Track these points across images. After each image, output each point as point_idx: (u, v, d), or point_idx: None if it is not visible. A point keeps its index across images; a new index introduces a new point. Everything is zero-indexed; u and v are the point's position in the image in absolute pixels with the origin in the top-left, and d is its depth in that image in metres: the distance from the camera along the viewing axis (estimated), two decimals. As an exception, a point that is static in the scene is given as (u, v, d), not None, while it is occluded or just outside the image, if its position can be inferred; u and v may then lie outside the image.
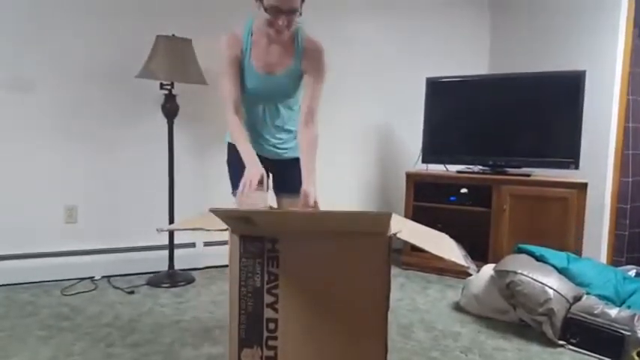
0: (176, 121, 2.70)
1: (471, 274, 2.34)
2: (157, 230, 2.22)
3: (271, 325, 1.19)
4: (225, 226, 1.19)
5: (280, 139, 1.84)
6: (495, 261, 2.41)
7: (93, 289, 2.56)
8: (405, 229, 1.24)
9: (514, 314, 2.19)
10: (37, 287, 2.56)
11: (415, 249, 1.28)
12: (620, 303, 2.07)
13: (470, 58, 3.74)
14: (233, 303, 1.20)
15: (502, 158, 3.03)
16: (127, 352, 1.84)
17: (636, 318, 1.84)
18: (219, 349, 1.87)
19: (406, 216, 3.11)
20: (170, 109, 2.66)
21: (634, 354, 1.78)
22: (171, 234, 2.76)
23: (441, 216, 2.95)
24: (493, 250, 2.86)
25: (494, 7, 3.78)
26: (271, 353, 1.19)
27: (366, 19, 3.42)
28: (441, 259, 1.14)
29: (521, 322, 2.18)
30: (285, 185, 1.86)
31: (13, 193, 2.59)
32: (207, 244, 3.01)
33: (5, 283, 2.57)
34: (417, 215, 3.06)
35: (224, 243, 1.55)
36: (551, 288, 2.03)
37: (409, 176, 3.17)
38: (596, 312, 1.93)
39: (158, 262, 2.82)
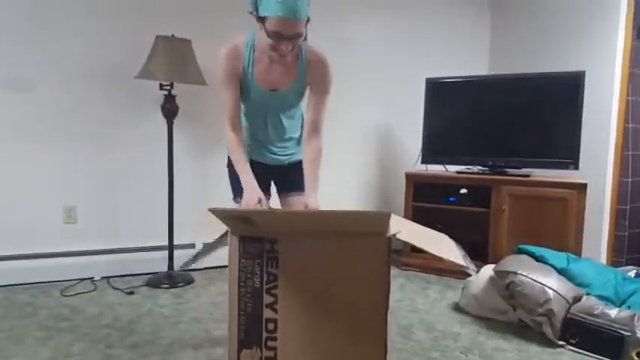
0: (175, 121, 2.70)
1: (470, 275, 2.33)
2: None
3: (270, 326, 1.18)
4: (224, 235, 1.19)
5: (282, 147, 1.82)
6: (495, 261, 2.40)
7: (92, 290, 2.56)
8: (405, 229, 1.24)
9: (514, 315, 2.19)
10: (35, 288, 2.56)
11: (415, 249, 1.28)
12: (619, 303, 2.06)
13: (470, 59, 3.74)
14: (232, 304, 1.20)
15: (502, 158, 3.03)
16: (126, 352, 1.83)
17: (636, 318, 1.84)
18: (219, 350, 1.87)
19: (406, 216, 3.11)
20: (169, 109, 2.65)
21: (634, 354, 1.77)
22: (171, 234, 2.75)
23: (441, 216, 2.95)
24: (493, 251, 2.86)
25: (494, 7, 3.78)
26: (271, 354, 1.19)
27: (366, 19, 3.42)
28: (440, 259, 1.14)
29: (520, 323, 2.18)
30: (290, 186, 1.85)
31: (11, 194, 2.58)
32: (206, 244, 3.00)
33: (4, 283, 2.57)
34: (417, 215, 3.06)
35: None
36: (550, 288, 2.02)
37: (409, 176, 3.17)
38: (595, 312, 1.92)
39: (157, 262, 2.82)
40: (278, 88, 1.63)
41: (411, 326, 2.18)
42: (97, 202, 2.77)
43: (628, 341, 1.80)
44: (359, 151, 3.51)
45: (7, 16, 2.51)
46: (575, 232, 2.65)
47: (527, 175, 2.88)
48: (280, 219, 1.21)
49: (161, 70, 2.51)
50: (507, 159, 3.01)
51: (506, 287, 2.12)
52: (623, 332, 1.82)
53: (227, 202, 1.76)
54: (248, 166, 1.63)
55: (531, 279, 2.06)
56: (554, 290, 2.02)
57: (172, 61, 2.53)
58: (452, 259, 1.16)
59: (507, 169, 3.01)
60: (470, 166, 3.18)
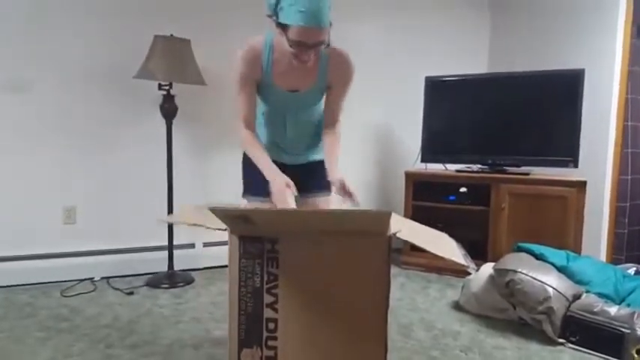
0: (175, 121, 2.70)
1: (470, 273, 2.34)
2: (158, 221, 2.17)
3: (271, 325, 1.18)
4: (225, 226, 1.19)
5: (300, 146, 1.79)
6: (495, 260, 2.40)
7: (92, 290, 2.55)
8: (405, 228, 1.23)
9: (514, 313, 2.19)
10: (35, 288, 2.56)
11: (415, 248, 1.28)
12: (619, 301, 2.07)
13: (470, 58, 3.74)
14: (232, 303, 1.20)
15: (501, 157, 3.03)
16: (126, 353, 1.83)
17: (636, 316, 1.84)
18: (219, 350, 1.87)
19: (405, 215, 3.11)
20: (168, 109, 2.65)
21: (634, 352, 1.78)
22: (170, 234, 2.76)
23: (441, 215, 2.95)
24: (492, 249, 2.86)
25: (494, 7, 3.78)
26: (271, 353, 1.19)
27: (366, 19, 3.41)
28: (440, 258, 1.14)
29: (520, 321, 2.18)
30: (309, 186, 1.78)
31: (11, 194, 2.58)
32: (206, 244, 3.00)
33: (4, 284, 2.56)
34: (417, 214, 3.06)
35: (223, 243, 1.55)
36: (550, 286, 2.03)
37: (408, 175, 3.17)
38: (595, 310, 1.93)
39: (157, 262, 2.82)
40: (298, 89, 1.59)
41: (411, 325, 2.18)
42: (97, 203, 2.77)
43: (628, 339, 1.80)
44: (358, 149, 3.51)
45: (7, 16, 2.51)
46: (574, 230, 2.65)
47: (527, 174, 2.89)
48: (280, 218, 1.21)
49: (160, 70, 2.51)
50: (507, 157, 3.01)
51: (506, 285, 2.13)
52: (623, 330, 1.82)
53: (227, 201, 1.76)
54: (268, 157, 1.58)
55: (531, 277, 2.06)
56: (553, 288, 2.02)
57: (171, 61, 2.53)
58: (452, 258, 1.16)
59: (507, 168, 3.01)
60: (469, 165, 3.18)
